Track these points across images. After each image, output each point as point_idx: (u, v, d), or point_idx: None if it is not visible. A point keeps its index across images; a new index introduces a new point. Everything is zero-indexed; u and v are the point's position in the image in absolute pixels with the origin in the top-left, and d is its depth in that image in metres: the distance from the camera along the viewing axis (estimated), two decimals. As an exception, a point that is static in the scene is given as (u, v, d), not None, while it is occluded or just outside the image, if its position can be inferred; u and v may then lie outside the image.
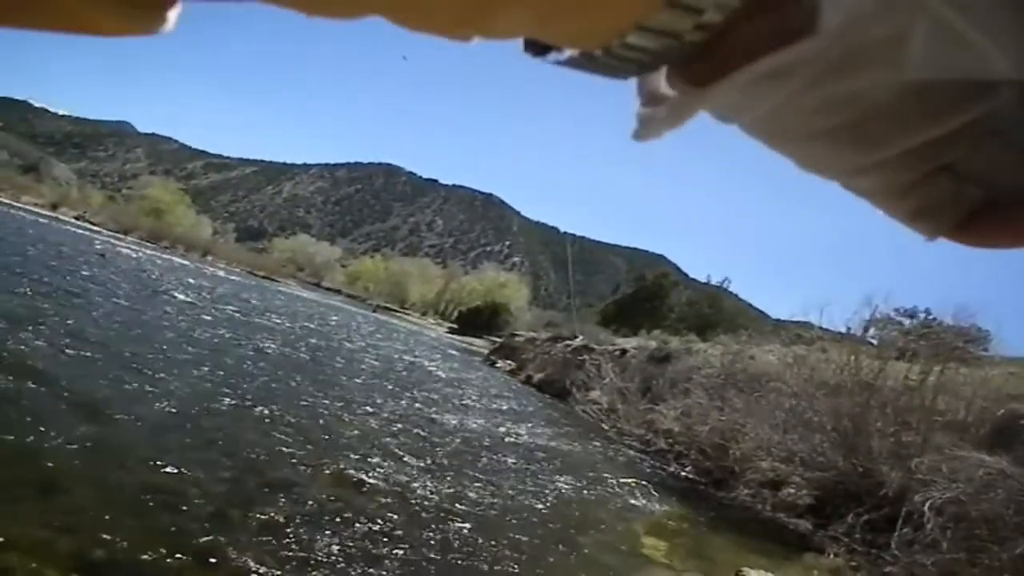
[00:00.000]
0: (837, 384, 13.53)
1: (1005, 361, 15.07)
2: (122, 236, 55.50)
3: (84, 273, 20.17)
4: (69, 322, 11.15)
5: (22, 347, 8.52)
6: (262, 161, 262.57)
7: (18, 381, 6.97)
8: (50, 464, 5.25)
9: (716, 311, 42.97)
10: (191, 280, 32.40)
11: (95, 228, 53.66)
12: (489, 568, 5.89)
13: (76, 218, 58.27)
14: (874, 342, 15.72)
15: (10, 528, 4.09)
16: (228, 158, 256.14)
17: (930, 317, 17.94)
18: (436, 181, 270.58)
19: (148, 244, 56.99)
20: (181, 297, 22.25)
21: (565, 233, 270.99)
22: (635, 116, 0.38)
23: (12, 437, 5.51)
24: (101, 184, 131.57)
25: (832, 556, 9.27)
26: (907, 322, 19.95)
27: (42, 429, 5.87)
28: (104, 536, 4.36)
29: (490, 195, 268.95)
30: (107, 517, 4.62)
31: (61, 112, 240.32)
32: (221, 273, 51.15)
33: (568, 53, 0.31)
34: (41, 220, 45.31)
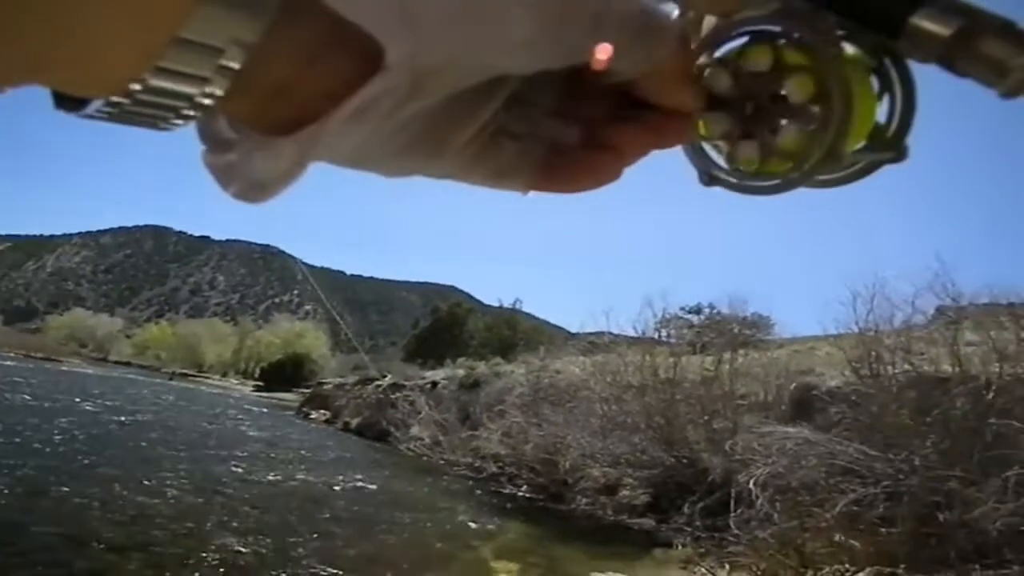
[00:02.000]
0: (641, 384, 14.19)
1: (787, 342, 16.52)
2: None
3: None
4: None
5: None
6: (16, 236, 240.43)
7: None
8: None
9: (514, 332, 44.00)
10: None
11: None
12: None
13: None
14: (669, 341, 16.63)
15: None
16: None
17: (714, 311, 19.32)
18: (208, 237, 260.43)
19: None
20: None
21: (352, 275, 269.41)
22: (206, 164, 0.37)
23: None
24: None
25: (679, 547, 9.64)
26: (694, 318, 21.42)
27: None
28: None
29: (268, 246, 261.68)
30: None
31: None
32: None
33: (95, 104, 0.29)
34: None
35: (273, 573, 6.65)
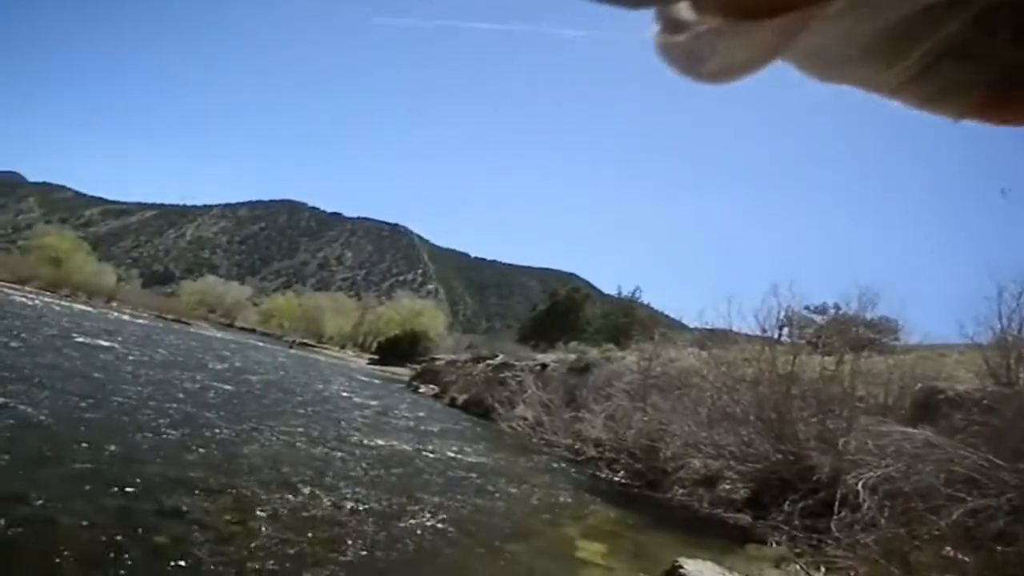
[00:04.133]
0: (756, 378, 13.53)
1: (915, 348, 15.46)
2: (18, 286, 52.51)
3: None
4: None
5: None
6: (161, 205, 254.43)
7: None
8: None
9: (631, 320, 43.17)
10: (93, 324, 30.94)
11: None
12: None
13: (-34, 272, 55.16)
14: (787, 340, 15.83)
15: None
16: (126, 203, 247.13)
17: (840, 311, 18.25)
18: (340, 214, 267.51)
19: (46, 293, 54.07)
20: (92, 341, 21.21)
21: (476, 258, 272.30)
22: (656, 45, 0.38)
23: None
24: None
25: (774, 545, 9.14)
26: (818, 318, 20.39)
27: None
28: None
29: (396, 225, 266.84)
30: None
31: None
32: (126, 318, 48.95)
33: None
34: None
35: (369, 529, 6.86)
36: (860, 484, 9.16)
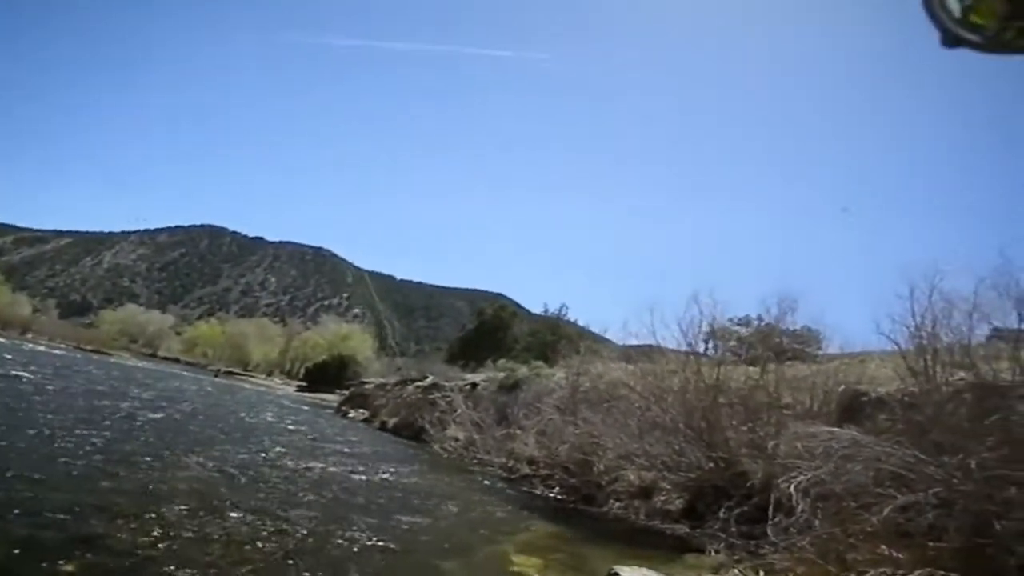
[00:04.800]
0: (683, 387, 13.61)
1: (838, 357, 15.79)
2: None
3: None
4: None
5: None
6: (77, 232, 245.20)
7: None
8: None
9: (558, 337, 43.29)
10: (7, 355, 29.66)
11: None
12: None
13: None
14: (712, 353, 15.98)
15: None
16: (39, 231, 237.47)
17: (763, 323, 18.57)
18: (262, 239, 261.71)
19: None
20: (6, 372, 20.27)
21: (402, 280, 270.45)
22: None
23: None
24: None
25: (713, 553, 9.14)
26: (742, 330, 20.73)
27: None
28: None
29: (320, 248, 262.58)
30: None
31: None
32: (42, 349, 47.03)
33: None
34: None
35: (295, 551, 6.73)
36: (792, 487, 9.25)
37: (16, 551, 5.28)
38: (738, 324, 21.56)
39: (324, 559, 6.68)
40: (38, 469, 8.40)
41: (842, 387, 12.36)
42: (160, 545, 6.12)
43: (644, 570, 5.96)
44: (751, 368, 14.10)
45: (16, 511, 6.33)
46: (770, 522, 9.12)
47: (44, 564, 5.14)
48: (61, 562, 5.23)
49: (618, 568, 5.97)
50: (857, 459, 8.81)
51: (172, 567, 5.57)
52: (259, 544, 6.77)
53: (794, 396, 13.03)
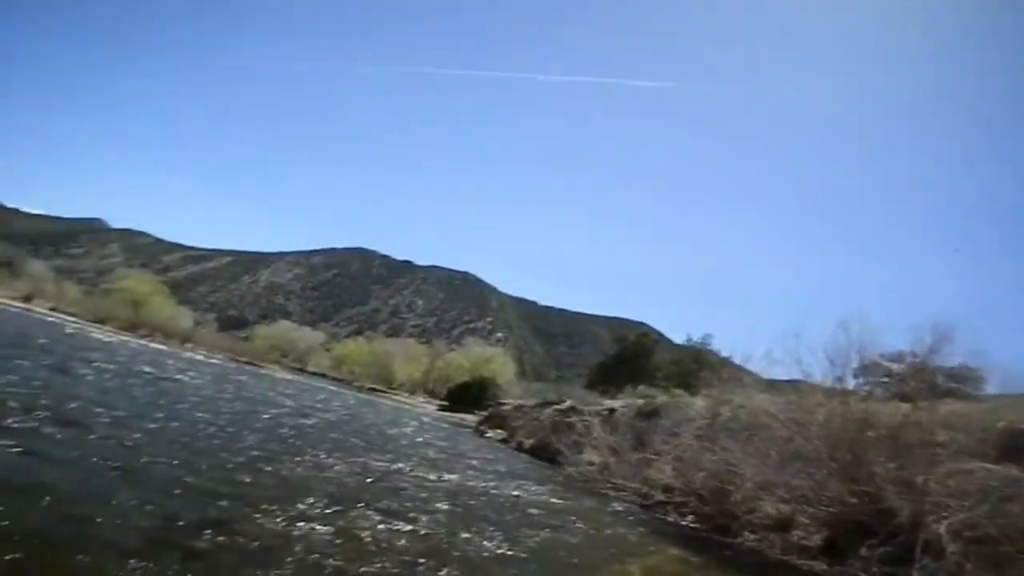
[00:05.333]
0: (829, 418, 13.00)
1: (1000, 397, 14.69)
2: (99, 325, 54.27)
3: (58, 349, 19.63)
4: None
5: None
6: (237, 251, 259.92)
7: None
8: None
9: (701, 366, 42.33)
10: (173, 363, 31.90)
11: (69, 318, 52.34)
12: None
13: (51, 309, 57.08)
14: (860, 386, 15.15)
15: None
16: (203, 249, 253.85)
17: (916, 358, 17.53)
18: (411, 263, 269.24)
19: (125, 332, 55.71)
20: (165, 375, 21.84)
21: (545, 306, 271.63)
22: None
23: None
24: (78, 280, 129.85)
25: (850, 593, 8.68)
26: (894, 366, 19.59)
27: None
28: None
29: (466, 273, 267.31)
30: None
31: (34, 211, 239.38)
32: (200, 357, 50.19)
33: None
34: (12, 310, 44.17)
35: (429, 558, 6.81)
36: (943, 528, 8.71)
37: (160, 525, 5.69)
38: (890, 360, 20.41)
39: (452, 563, 6.77)
40: (191, 457, 9.02)
41: (1001, 424, 11.52)
42: (293, 534, 6.40)
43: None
44: (902, 404, 13.29)
45: (167, 491, 6.83)
46: (916, 564, 8.61)
47: (183, 539, 5.50)
48: (197, 540, 5.57)
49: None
50: (1017, 500, 8.22)
51: (301, 555, 5.84)
52: (389, 543, 6.97)
53: (948, 434, 12.24)
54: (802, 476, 12.46)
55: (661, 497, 15.75)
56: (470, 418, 45.16)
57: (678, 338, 75.64)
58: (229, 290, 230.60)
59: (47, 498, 5.68)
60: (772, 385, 18.43)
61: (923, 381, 13.92)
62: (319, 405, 28.77)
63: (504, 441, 31.00)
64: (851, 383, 14.07)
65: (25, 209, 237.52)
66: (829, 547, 11.24)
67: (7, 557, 4.35)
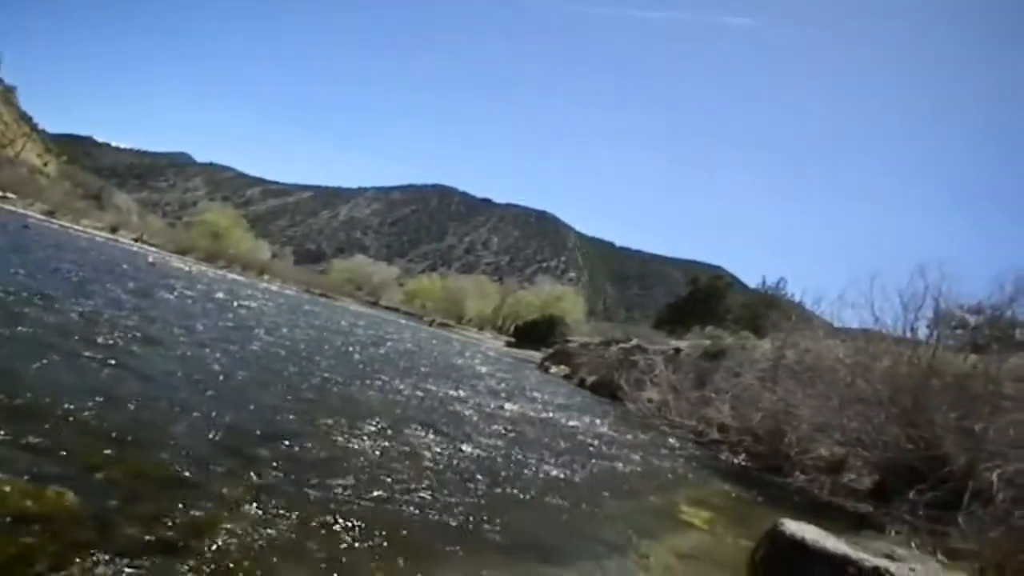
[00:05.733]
0: (895, 364, 12.73)
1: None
2: (179, 255, 56.11)
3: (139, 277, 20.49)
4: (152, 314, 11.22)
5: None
6: (318, 186, 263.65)
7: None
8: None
9: (772, 310, 41.50)
10: (249, 292, 32.91)
11: (152, 248, 54.06)
12: (528, 521, 6.10)
13: (135, 240, 59.03)
14: (939, 341, 14.67)
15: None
16: (284, 184, 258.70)
17: (996, 311, 16.93)
18: (489, 200, 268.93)
19: (204, 263, 57.45)
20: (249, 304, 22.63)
21: (621, 247, 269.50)
22: None
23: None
24: (162, 212, 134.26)
25: (893, 533, 8.62)
26: (972, 318, 18.94)
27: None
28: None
29: (544, 212, 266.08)
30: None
31: (123, 146, 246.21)
32: (275, 288, 51.60)
33: None
34: (98, 239, 45.94)
35: (487, 476, 7.22)
36: (995, 475, 8.56)
37: (231, 435, 6.00)
38: (968, 311, 19.74)
39: (505, 483, 7.09)
40: (264, 376, 9.60)
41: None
42: (355, 448, 6.75)
43: (811, 527, 5.77)
44: (974, 356, 12.90)
45: (240, 405, 7.29)
46: (964, 510, 8.49)
47: (250, 448, 5.83)
48: (264, 449, 5.89)
49: (785, 520, 5.83)
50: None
51: (362, 467, 6.15)
52: (447, 462, 7.30)
53: (1017, 387, 11.88)
54: (860, 419, 12.30)
55: (716, 435, 15.76)
56: (536, 354, 45.46)
57: (753, 282, 74.24)
58: (308, 224, 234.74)
59: (131, 405, 6.05)
60: (842, 332, 18.05)
61: (998, 332, 13.52)
62: (389, 336, 29.50)
63: (567, 377, 31.20)
64: (923, 331, 13.68)
65: (114, 143, 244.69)
66: (878, 490, 11.17)
67: (99, 452, 4.71)
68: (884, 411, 11.89)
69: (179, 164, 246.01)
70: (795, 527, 5.66)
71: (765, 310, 42.42)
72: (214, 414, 6.53)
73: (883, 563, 5.06)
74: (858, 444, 12.11)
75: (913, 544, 7.45)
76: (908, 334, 13.38)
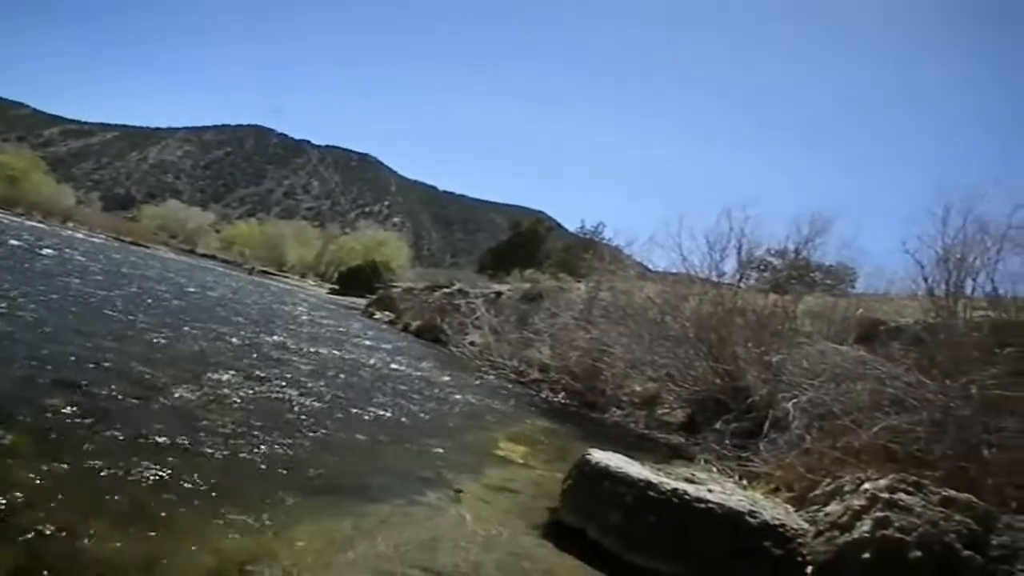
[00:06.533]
0: (701, 302, 13.38)
1: (867, 295, 15.29)
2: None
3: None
4: None
5: None
6: (125, 126, 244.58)
7: None
8: None
9: (591, 255, 42.85)
10: (52, 240, 30.36)
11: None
12: (347, 462, 6.07)
13: (-91, 184, 53.01)
14: (737, 276, 15.54)
15: None
16: (87, 123, 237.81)
17: (799, 256, 18.12)
18: (309, 142, 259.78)
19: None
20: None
21: (444, 191, 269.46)
22: None
23: None
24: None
25: (702, 462, 9.07)
26: (777, 262, 20.22)
27: None
28: None
29: (366, 155, 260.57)
30: None
31: None
32: (80, 236, 47.91)
33: None
34: None
35: (308, 418, 7.19)
36: (791, 404, 9.14)
37: (12, 387, 5.59)
38: (772, 255, 21.05)
39: (327, 425, 7.04)
40: (61, 325, 8.94)
41: (860, 311, 12.11)
42: (161, 395, 6.43)
43: (617, 455, 5.94)
44: (774, 295, 13.76)
45: (31, 354, 6.77)
46: (764, 437, 9.05)
47: (36, 398, 5.40)
48: (52, 398, 5.44)
49: (592, 450, 5.96)
50: (860, 379, 8.66)
51: (165, 414, 5.88)
52: (262, 407, 7.12)
53: (813, 324, 12.82)
54: (670, 356, 12.87)
55: (536, 375, 16.08)
56: (360, 301, 44.82)
57: (574, 227, 76.43)
58: (115, 167, 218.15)
59: None
60: (654, 274, 18.77)
61: (798, 274, 14.44)
62: (205, 284, 28.13)
63: (391, 323, 30.96)
64: (728, 271, 14.42)
65: None
66: (689, 423, 11.75)
67: None
68: (692, 347, 12.48)
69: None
70: (601, 455, 5.82)
71: (585, 253, 43.73)
72: (3, 366, 6.05)
73: (682, 486, 5.29)
74: (669, 379, 12.68)
75: (715, 469, 7.82)
76: (714, 275, 14.10)
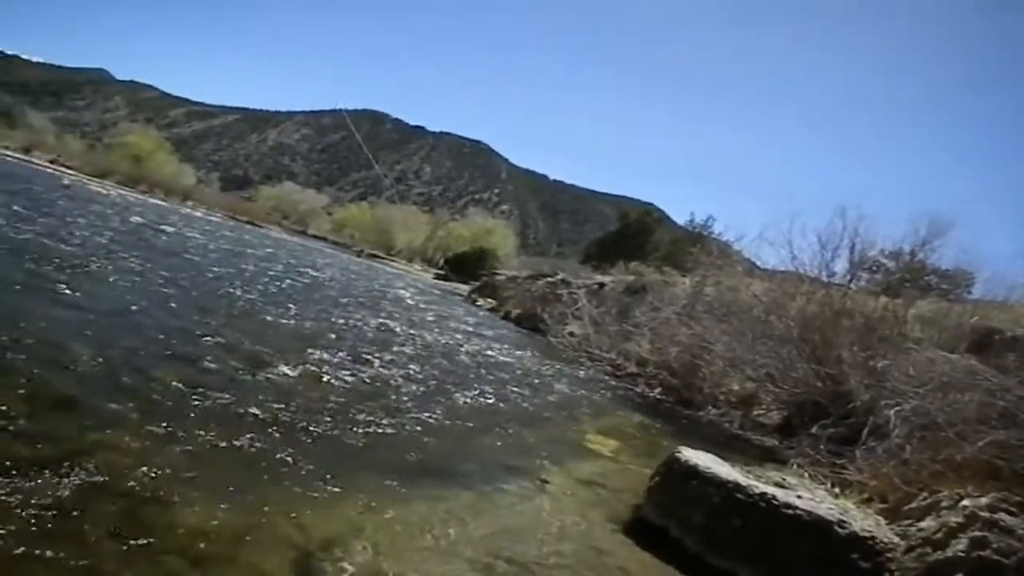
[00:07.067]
0: (808, 302, 13.02)
1: (987, 303, 14.54)
2: (98, 179, 53.70)
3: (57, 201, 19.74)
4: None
5: None
6: (245, 109, 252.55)
7: None
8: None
9: (700, 249, 42.08)
10: (174, 217, 31.95)
11: (68, 171, 51.72)
12: (437, 446, 6.17)
13: (50, 162, 56.36)
14: (854, 286, 15.01)
15: None
16: (210, 106, 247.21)
17: (915, 258, 17.36)
18: (423, 128, 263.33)
19: (124, 187, 55.20)
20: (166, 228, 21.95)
21: (554, 180, 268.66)
22: None
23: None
24: (81, 133, 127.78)
25: (794, 467, 8.85)
26: (891, 263, 19.41)
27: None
28: None
29: (478, 142, 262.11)
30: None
31: (35, 59, 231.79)
32: (199, 214, 50.09)
33: None
34: (9, 160, 43.74)
35: (405, 396, 7.57)
36: (893, 412, 8.82)
37: (130, 358, 5.86)
38: (886, 256, 20.22)
39: (420, 408, 7.22)
40: (177, 300, 9.32)
41: (975, 318, 11.54)
42: (267, 373, 6.70)
43: (707, 455, 5.89)
44: (885, 298, 13.25)
45: (150, 328, 7.11)
46: (861, 445, 8.76)
47: (151, 370, 5.67)
48: (163, 370, 5.73)
49: (682, 448, 5.93)
50: (969, 390, 8.27)
51: (269, 390, 6.16)
52: (357, 387, 7.32)
53: (923, 330, 12.30)
54: (771, 356, 12.57)
55: (633, 369, 15.99)
56: (464, 288, 45.30)
57: (684, 220, 75.20)
58: (235, 149, 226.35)
59: (40, 325, 5.96)
60: (763, 271, 18.36)
61: (912, 277, 13.87)
62: (316, 265, 29.02)
63: (493, 310, 31.21)
64: (839, 271, 13.99)
65: (25, 56, 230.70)
66: (786, 425, 11.47)
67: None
68: (795, 348, 12.16)
69: (97, 82, 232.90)
70: (691, 454, 5.78)
71: (691, 247, 43.03)
72: (121, 337, 6.36)
73: (771, 490, 5.21)
74: (768, 380, 12.40)
75: (806, 475, 7.63)
76: (824, 275, 13.69)
